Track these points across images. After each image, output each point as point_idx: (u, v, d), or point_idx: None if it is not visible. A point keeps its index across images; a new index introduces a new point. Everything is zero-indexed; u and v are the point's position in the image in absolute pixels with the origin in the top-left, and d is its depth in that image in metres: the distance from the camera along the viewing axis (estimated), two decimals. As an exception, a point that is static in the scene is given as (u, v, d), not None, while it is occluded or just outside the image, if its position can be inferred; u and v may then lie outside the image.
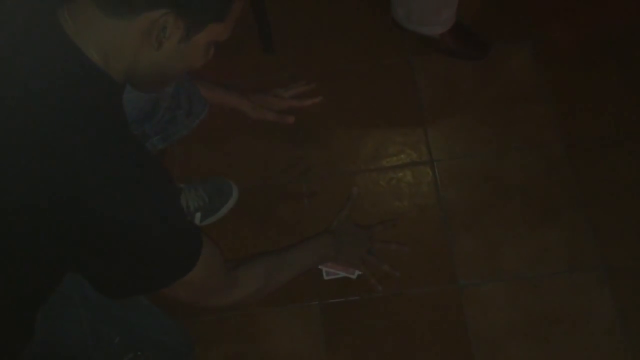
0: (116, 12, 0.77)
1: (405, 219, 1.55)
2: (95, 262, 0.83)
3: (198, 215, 1.57)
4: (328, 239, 1.40)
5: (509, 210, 1.55)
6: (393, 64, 1.78)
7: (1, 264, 0.82)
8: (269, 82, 1.58)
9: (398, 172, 1.63)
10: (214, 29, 0.82)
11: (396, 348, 1.45)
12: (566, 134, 1.62)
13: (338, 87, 1.72)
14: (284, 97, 1.47)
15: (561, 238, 1.50)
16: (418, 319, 1.46)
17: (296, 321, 1.49)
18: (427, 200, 1.59)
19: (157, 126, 1.21)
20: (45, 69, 0.77)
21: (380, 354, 1.44)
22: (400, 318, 1.46)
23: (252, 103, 1.42)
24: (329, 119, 1.71)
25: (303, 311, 1.49)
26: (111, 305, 1.02)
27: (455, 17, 1.70)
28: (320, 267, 1.48)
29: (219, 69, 1.12)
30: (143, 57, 0.81)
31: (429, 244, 1.53)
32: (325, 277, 1.49)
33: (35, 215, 0.76)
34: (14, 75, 0.77)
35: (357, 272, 1.48)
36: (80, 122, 0.76)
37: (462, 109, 1.70)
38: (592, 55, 1.73)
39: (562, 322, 1.42)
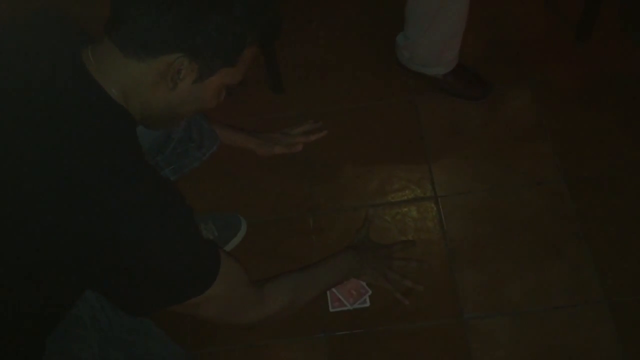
0: (136, 54, 0.84)
1: (410, 253, 1.57)
2: (115, 280, 0.87)
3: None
4: (352, 254, 1.42)
5: (512, 245, 1.57)
6: (397, 102, 1.83)
7: (22, 284, 0.86)
8: (278, 120, 1.63)
9: (403, 207, 1.67)
10: (226, 72, 0.89)
11: (401, 381, 1.45)
12: (566, 170, 1.66)
13: (344, 124, 1.77)
14: (291, 134, 1.52)
15: (564, 272, 1.52)
16: (423, 352, 1.47)
17: (302, 354, 1.50)
18: (432, 235, 1.61)
19: (169, 158, 1.25)
20: (69, 104, 0.84)
21: (386, 387, 1.45)
22: (405, 351, 1.47)
23: (259, 141, 1.47)
24: (335, 155, 1.76)
25: (309, 344, 1.50)
26: (120, 329, 1.05)
27: (458, 59, 1.76)
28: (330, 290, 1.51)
29: (229, 109, 1.17)
30: (158, 96, 0.88)
31: (434, 278, 1.54)
32: (331, 310, 1.52)
33: (59, 239, 0.81)
34: (39, 110, 0.83)
35: (357, 304, 1.50)
36: (101, 152, 0.82)
37: (465, 147, 1.74)
38: (589, 95, 1.78)
39: (565, 356, 1.43)
